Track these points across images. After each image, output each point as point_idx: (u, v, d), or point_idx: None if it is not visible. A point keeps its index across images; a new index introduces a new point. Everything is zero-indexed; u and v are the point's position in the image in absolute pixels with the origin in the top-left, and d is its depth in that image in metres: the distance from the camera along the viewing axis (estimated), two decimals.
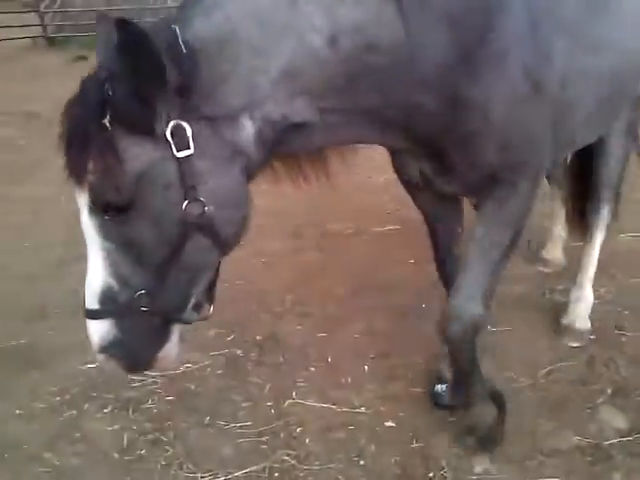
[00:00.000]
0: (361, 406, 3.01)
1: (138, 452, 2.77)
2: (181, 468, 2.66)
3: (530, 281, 3.99)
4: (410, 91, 1.80)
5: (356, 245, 4.76)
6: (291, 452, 2.73)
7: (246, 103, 1.61)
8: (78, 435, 2.87)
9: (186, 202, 1.55)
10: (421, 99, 1.83)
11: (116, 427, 2.92)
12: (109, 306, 1.62)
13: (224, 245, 1.69)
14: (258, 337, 3.60)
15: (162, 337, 1.74)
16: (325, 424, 2.90)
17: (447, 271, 2.80)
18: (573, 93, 2.08)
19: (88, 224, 1.59)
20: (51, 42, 16.86)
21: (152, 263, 1.60)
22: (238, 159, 1.64)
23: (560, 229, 4.12)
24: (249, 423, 2.91)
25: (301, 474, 2.60)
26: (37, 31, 16.86)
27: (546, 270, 4.12)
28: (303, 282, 4.17)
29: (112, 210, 1.54)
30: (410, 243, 4.65)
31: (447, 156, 2.04)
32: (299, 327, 3.64)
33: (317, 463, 2.64)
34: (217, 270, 1.86)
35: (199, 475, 2.62)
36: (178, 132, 1.51)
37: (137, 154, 1.51)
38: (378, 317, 3.78)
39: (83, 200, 1.57)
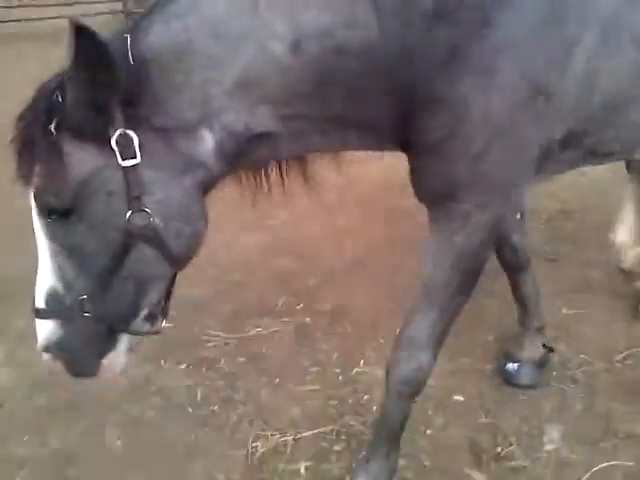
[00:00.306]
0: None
1: (211, 408, 2.87)
2: (252, 425, 2.74)
3: (607, 266, 3.88)
4: (384, 93, 1.66)
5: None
6: (358, 417, 2.77)
7: (202, 115, 1.57)
8: (154, 389, 2.99)
9: (130, 212, 1.53)
10: (395, 101, 1.68)
11: (190, 383, 3.03)
12: (54, 307, 1.62)
13: (173, 258, 1.65)
14: (327, 307, 3.65)
15: (107, 345, 1.72)
16: None
17: (507, 260, 2.78)
18: (600, 99, 1.77)
19: (36, 224, 1.61)
20: (131, 17, 17.29)
21: (95, 269, 1.59)
22: (193, 171, 1.60)
23: (631, 212, 3.94)
24: (317, 387, 2.97)
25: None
26: (117, 7, 17.33)
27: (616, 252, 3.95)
28: (372, 254, 4.19)
29: (55, 213, 1.55)
30: None
31: (415, 160, 1.86)
32: (368, 299, 3.66)
33: None
34: (172, 283, 1.83)
35: (269, 433, 2.69)
36: (124, 141, 1.49)
37: (80, 160, 1.50)
38: None
39: (32, 202, 1.59)
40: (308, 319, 3.53)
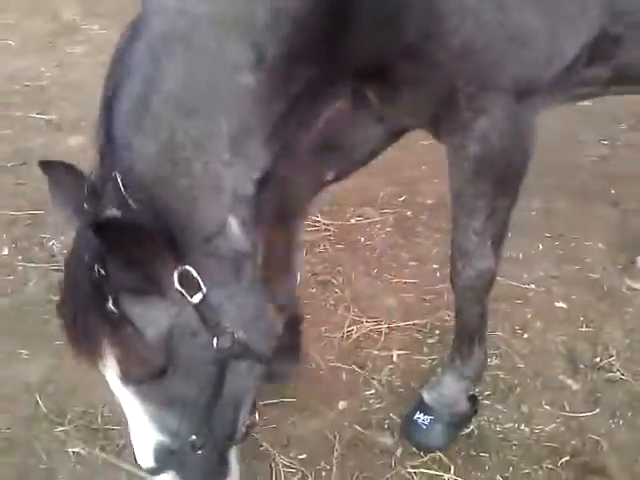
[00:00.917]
0: (531, 283, 2.95)
1: (309, 290, 2.95)
2: (348, 311, 2.81)
3: None
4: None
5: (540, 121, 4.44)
6: (453, 313, 2.77)
7: (222, 203, 1.44)
8: None
9: (215, 340, 1.44)
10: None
11: None
12: (166, 460, 1.55)
13: (264, 356, 1.59)
14: (429, 201, 3.57)
15: (222, 468, 1.68)
16: (492, 294, 2.88)
17: None
18: None
19: (122, 392, 1.49)
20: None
21: (197, 408, 1.52)
22: (243, 264, 1.50)
23: None
24: (415, 281, 2.97)
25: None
26: None
27: None
28: None
29: (144, 379, 1.44)
30: (600, 123, 4.28)
31: (394, 69, 1.65)
32: None
33: None
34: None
35: (364, 319, 2.76)
36: (185, 278, 1.38)
37: (153, 320, 1.40)
38: (557, 197, 3.58)
39: (110, 373, 1.46)
40: (409, 212, 3.48)
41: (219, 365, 1.47)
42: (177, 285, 1.36)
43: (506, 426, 2.26)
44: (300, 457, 2.17)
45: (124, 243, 1.26)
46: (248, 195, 1.48)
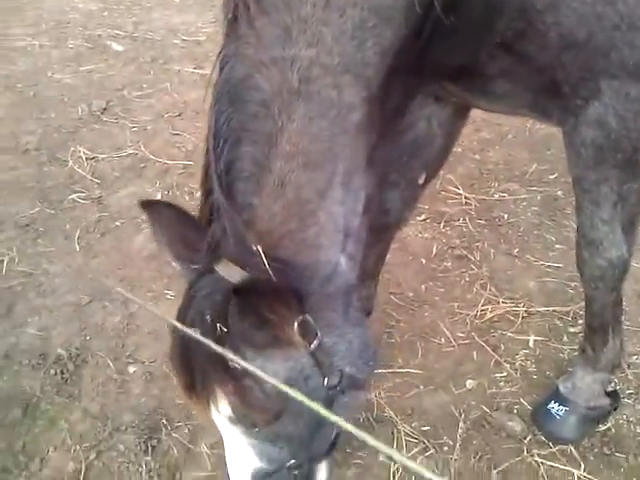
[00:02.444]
0: None
1: (445, 264, 2.89)
2: (484, 289, 2.73)
3: None
4: None
5: None
6: None
7: (339, 245, 1.43)
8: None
9: (326, 379, 1.42)
10: None
11: (427, 236, 3.06)
12: None
13: (365, 383, 1.60)
14: None
15: (311, 476, 1.66)
16: None
17: None
18: None
19: (230, 430, 1.47)
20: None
21: (302, 440, 1.51)
22: (350, 296, 1.50)
23: None
24: (560, 265, 2.82)
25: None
26: None
27: None
28: None
29: (259, 424, 1.43)
30: None
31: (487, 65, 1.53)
32: None
33: (627, 324, 2.47)
34: None
35: (501, 300, 2.66)
36: (304, 327, 1.34)
37: (274, 371, 1.36)
38: None
39: (221, 417, 1.44)
40: (560, 192, 3.29)
41: (327, 402, 1.45)
42: (297, 336, 1.35)
43: None
44: (423, 428, 2.16)
45: (260, 304, 1.26)
46: (355, 228, 1.48)
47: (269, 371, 1.35)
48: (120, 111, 4.05)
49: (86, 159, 3.57)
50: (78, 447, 2.11)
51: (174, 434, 2.16)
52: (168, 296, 2.66)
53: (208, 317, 1.32)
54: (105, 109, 4.08)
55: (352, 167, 1.40)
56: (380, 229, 2.22)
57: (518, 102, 1.70)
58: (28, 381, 2.34)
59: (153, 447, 2.12)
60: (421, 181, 2.05)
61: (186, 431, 2.17)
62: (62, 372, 2.36)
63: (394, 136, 1.71)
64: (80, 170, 3.48)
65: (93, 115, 4.01)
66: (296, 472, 1.55)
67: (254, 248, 1.28)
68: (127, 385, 2.33)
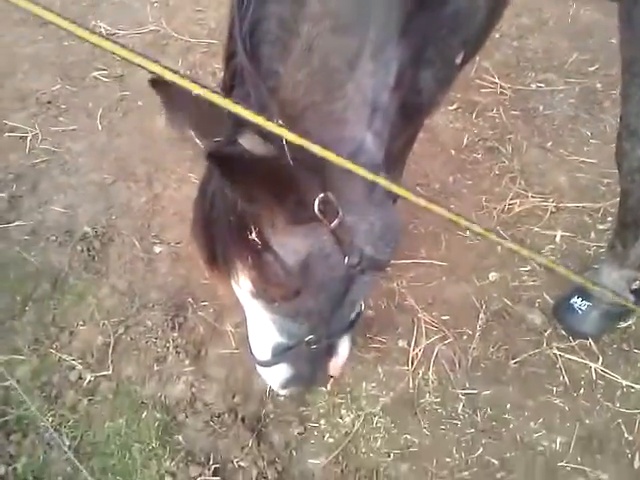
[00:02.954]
0: None
1: (474, 155, 2.81)
2: (513, 182, 2.66)
3: None
4: None
5: None
6: None
7: (365, 120, 1.33)
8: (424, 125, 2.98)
9: (347, 258, 1.39)
10: None
11: (458, 126, 2.96)
12: (281, 355, 1.60)
13: (385, 265, 1.55)
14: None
15: (331, 354, 1.74)
16: None
17: None
18: None
19: (251, 304, 1.48)
20: None
21: (321, 316, 1.54)
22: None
23: None
24: (594, 161, 2.72)
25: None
26: None
27: None
28: None
29: (279, 299, 1.43)
30: None
31: None
32: None
33: None
34: None
35: (530, 194, 2.60)
36: (325, 205, 1.28)
37: (293, 248, 1.35)
38: None
39: (243, 292, 1.43)
40: (599, 85, 3.12)
41: (346, 280, 1.48)
42: (318, 213, 1.30)
43: None
44: (443, 318, 2.19)
45: (276, 179, 1.20)
46: (384, 104, 1.38)
47: (290, 247, 1.35)
48: None
49: (107, 34, 3.43)
50: (106, 322, 2.18)
51: (200, 312, 2.21)
52: (192, 179, 2.63)
53: (229, 190, 1.25)
54: None
55: (385, 35, 1.29)
56: (411, 110, 2.12)
57: None
58: (56, 256, 2.39)
59: (180, 324, 2.18)
60: (458, 61, 1.93)
61: (212, 310, 2.22)
62: (89, 249, 2.40)
63: (434, 5, 1.56)
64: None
65: None
66: (315, 347, 1.60)
67: (277, 120, 1.17)
68: (154, 264, 2.36)
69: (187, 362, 2.08)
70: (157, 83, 1.30)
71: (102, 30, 3.45)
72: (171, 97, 1.31)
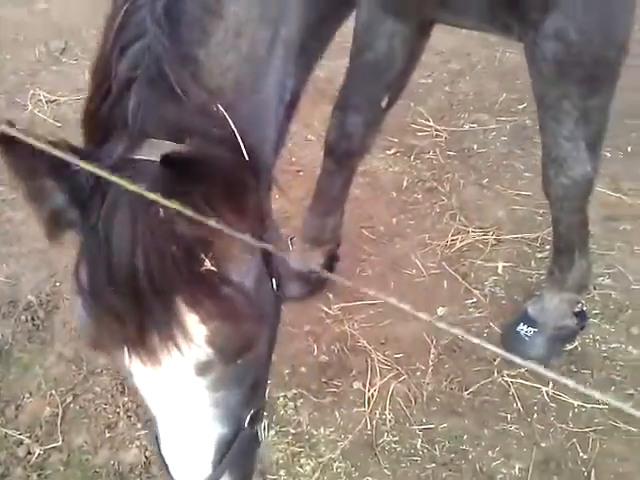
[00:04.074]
0: None
1: (415, 196, 2.89)
2: (454, 219, 2.74)
3: None
4: None
5: None
6: None
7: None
8: (364, 169, 3.06)
9: (274, 281, 1.15)
10: None
11: (397, 169, 3.05)
12: (224, 457, 1.15)
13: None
14: None
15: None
16: (610, 212, 2.72)
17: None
18: None
19: (189, 387, 1.06)
20: None
21: (260, 368, 1.20)
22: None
23: None
24: (529, 193, 2.83)
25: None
26: None
27: None
28: None
29: (245, 351, 1.05)
30: None
31: None
32: None
33: (594, 247, 2.51)
34: None
35: (470, 229, 2.68)
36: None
37: (246, 271, 1.04)
38: None
39: (187, 361, 1.00)
40: (529, 121, 3.27)
41: (276, 306, 1.20)
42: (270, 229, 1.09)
43: (612, 346, 2.17)
44: (396, 356, 2.20)
45: (236, 187, 0.93)
46: (281, 113, 1.23)
47: (243, 271, 1.03)
48: (79, 51, 3.90)
49: (46, 102, 3.45)
50: (54, 392, 2.12)
51: None
52: None
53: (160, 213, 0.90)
54: (64, 49, 3.93)
55: (290, 38, 1.17)
56: (343, 155, 2.20)
57: (477, 14, 1.65)
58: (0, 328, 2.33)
59: (130, 387, 2.13)
60: (384, 104, 2.02)
61: None
62: (33, 319, 2.34)
63: (329, 34, 1.50)
64: (41, 114, 3.37)
65: (51, 56, 3.86)
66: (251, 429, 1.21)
67: (215, 109, 0.98)
68: None
69: (139, 426, 2.03)
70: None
71: (42, 98, 3.46)
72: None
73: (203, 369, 1.03)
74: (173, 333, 0.94)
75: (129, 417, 2.05)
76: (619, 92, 3.35)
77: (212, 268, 0.94)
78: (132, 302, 0.92)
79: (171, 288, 0.92)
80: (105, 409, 2.07)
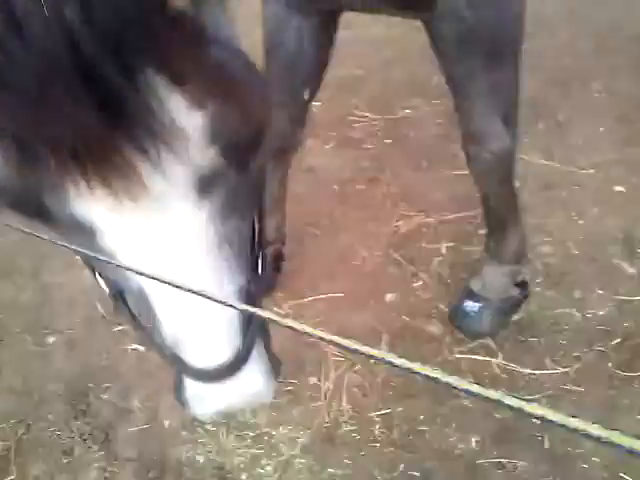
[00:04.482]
0: (590, 168, 2.80)
1: (357, 186, 2.91)
2: (396, 205, 2.76)
3: None
4: None
5: None
6: None
7: None
8: (305, 166, 3.07)
9: None
10: None
11: (337, 162, 3.07)
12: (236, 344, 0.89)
13: None
14: None
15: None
16: (546, 181, 2.78)
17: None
18: None
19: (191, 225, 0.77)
20: None
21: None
22: None
23: None
24: (465, 172, 2.84)
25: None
26: None
27: None
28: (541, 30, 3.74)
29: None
30: None
31: None
32: (530, 80, 3.33)
33: (533, 217, 2.57)
34: None
35: (413, 213, 2.71)
36: None
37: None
38: (622, 76, 3.36)
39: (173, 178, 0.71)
40: None
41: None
42: None
43: (557, 311, 2.21)
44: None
45: None
46: None
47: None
48: None
49: None
50: (4, 425, 2.07)
51: (103, 395, 2.14)
52: (79, 262, 2.59)
53: None
54: None
55: None
56: (276, 152, 2.20)
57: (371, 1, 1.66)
58: None
59: (83, 411, 2.10)
60: (306, 96, 2.03)
61: (115, 391, 2.15)
62: None
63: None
64: None
65: None
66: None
67: None
68: (49, 356, 2.28)
69: (96, 448, 2.00)
70: None
71: None
72: None
73: (204, 189, 0.73)
74: (155, 132, 0.63)
75: (85, 441, 2.02)
76: (548, 63, 3.44)
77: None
78: (78, 89, 0.58)
79: (137, 52, 0.60)
80: (59, 435, 2.04)
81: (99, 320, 2.37)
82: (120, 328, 2.31)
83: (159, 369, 2.19)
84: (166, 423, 2.03)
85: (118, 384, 2.16)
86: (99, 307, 2.40)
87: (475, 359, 2.09)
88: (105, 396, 2.13)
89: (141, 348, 2.25)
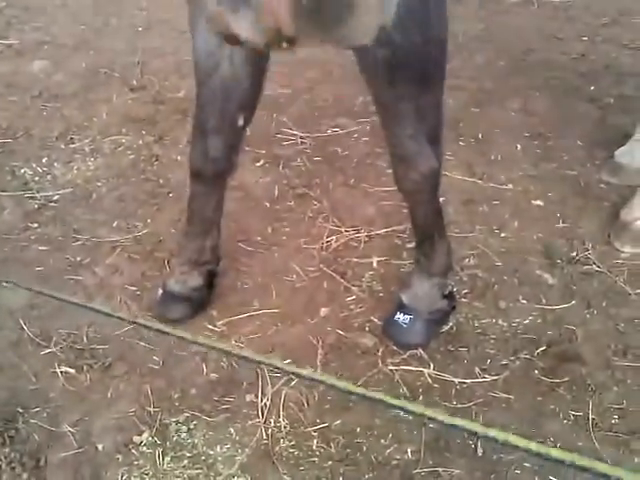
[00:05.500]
0: (509, 183, 2.95)
1: (287, 203, 2.94)
2: (327, 221, 2.81)
3: None
4: None
5: (522, 16, 4.38)
6: None
7: None
8: (235, 184, 3.07)
9: None
10: None
11: (267, 180, 3.09)
12: None
13: None
14: None
15: None
16: (468, 197, 2.90)
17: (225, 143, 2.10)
18: None
19: None
20: None
21: None
22: None
23: None
24: (393, 188, 2.93)
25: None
26: None
27: None
28: (459, 53, 3.92)
29: None
30: (579, 19, 4.22)
31: None
32: (451, 100, 3.49)
33: (457, 231, 2.68)
34: None
35: (343, 229, 2.76)
36: None
37: None
38: (536, 97, 3.57)
39: None
40: None
41: None
42: None
43: (484, 321, 2.31)
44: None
45: None
46: None
47: None
48: None
49: None
50: None
51: (32, 420, 2.05)
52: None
53: None
54: None
55: None
56: (212, 177, 2.20)
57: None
58: None
59: (11, 437, 2.01)
60: (241, 122, 2.04)
61: (45, 414, 2.07)
62: None
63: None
64: None
65: None
66: None
67: None
68: None
69: (25, 475, 1.91)
70: None
71: None
72: None
73: None
74: None
75: (13, 468, 1.92)
76: (467, 84, 3.60)
77: None
78: None
79: None
80: None
81: (27, 342, 2.28)
82: (48, 351, 2.24)
83: (90, 391, 2.14)
84: (100, 446, 1.98)
85: (48, 408, 2.09)
86: (26, 329, 2.31)
87: (408, 370, 2.15)
88: (34, 420, 2.05)
89: (71, 370, 2.18)
